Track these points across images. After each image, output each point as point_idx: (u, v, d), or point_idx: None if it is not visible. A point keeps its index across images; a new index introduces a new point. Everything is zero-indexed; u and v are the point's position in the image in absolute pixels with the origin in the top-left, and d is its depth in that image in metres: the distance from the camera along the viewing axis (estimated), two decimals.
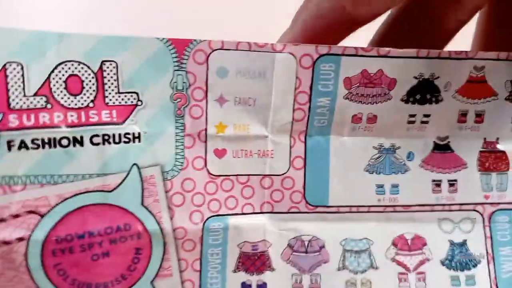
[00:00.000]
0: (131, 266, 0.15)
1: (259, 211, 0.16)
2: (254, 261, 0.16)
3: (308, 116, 0.16)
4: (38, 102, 0.14)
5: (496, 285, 0.17)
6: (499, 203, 0.18)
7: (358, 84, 0.16)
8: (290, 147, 0.16)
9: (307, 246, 0.17)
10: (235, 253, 0.16)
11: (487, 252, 0.17)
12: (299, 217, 0.17)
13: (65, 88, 0.14)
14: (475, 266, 0.17)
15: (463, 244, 0.17)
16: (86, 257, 0.15)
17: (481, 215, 0.18)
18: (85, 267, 0.15)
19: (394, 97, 0.16)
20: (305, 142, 0.16)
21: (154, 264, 0.15)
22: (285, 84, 0.15)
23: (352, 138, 0.17)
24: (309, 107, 0.16)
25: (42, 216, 0.14)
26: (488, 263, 0.17)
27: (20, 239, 0.14)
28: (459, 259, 0.17)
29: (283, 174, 0.16)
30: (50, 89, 0.14)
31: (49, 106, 0.14)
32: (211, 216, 0.16)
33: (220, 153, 0.16)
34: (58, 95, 0.14)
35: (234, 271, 0.16)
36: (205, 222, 0.16)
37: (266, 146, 0.16)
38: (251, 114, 0.16)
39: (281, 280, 0.16)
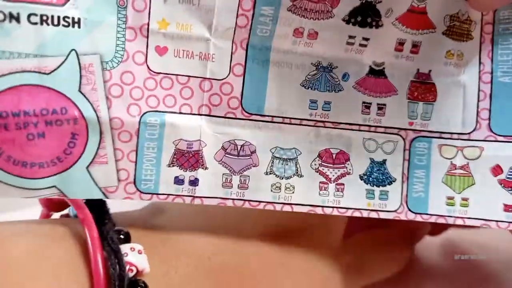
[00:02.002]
0: (67, 149, 0.16)
1: (197, 112, 0.17)
2: (188, 158, 0.17)
3: (251, 23, 0.16)
4: None
5: (406, 202, 0.19)
6: (421, 131, 0.19)
7: None
8: (232, 53, 0.17)
9: (240, 149, 0.18)
10: (170, 149, 0.17)
11: (403, 173, 0.19)
12: (234, 122, 0.18)
13: None
14: (390, 183, 0.19)
15: (383, 163, 0.19)
16: (21, 135, 0.15)
17: (403, 139, 0.19)
18: (20, 145, 0.15)
19: (336, 16, 0.17)
20: (246, 50, 0.17)
21: (90, 151, 0.16)
22: None
23: (292, 52, 0.17)
24: (253, 14, 0.16)
25: None
26: (402, 183, 0.19)
27: None
28: (376, 175, 0.19)
29: (222, 79, 0.17)
30: None
31: None
32: (149, 111, 0.17)
33: (161, 51, 0.16)
34: None
35: (169, 166, 0.17)
36: (142, 115, 0.16)
37: (208, 49, 0.17)
38: (194, 14, 0.16)
39: (212, 178, 0.18)
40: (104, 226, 0.16)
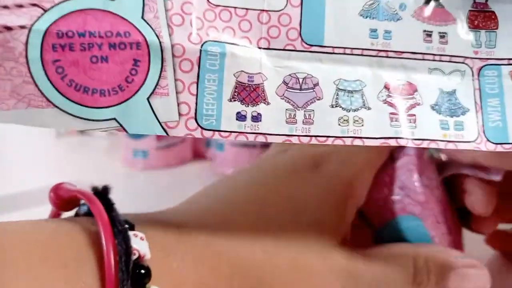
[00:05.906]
0: (129, 77, 0.15)
1: (256, 45, 0.17)
2: (249, 92, 0.17)
3: None
4: None
5: (484, 132, 0.18)
6: (487, 59, 0.18)
7: None
8: None
9: (302, 83, 0.17)
10: (231, 82, 0.16)
11: (475, 103, 0.18)
12: (294, 55, 0.17)
13: None
14: (463, 114, 0.18)
15: (453, 93, 0.18)
16: (85, 57, 0.15)
17: (471, 68, 0.18)
18: (84, 68, 0.15)
19: None
20: None
21: (152, 79, 0.16)
22: None
23: None
24: None
25: (45, 10, 0.15)
26: (477, 112, 0.18)
27: (22, 27, 0.14)
28: (448, 106, 0.18)
29: (280, 10, 0.17)
30: None
31: None
32: (209, 41, 0.16)
33: None
34: None
35: (230, 100, 0.16)
36: (203, 44, 0.16)
37: None
38: None
39: (275, 114, 0.17)
40: (112, 212, 0.16)
